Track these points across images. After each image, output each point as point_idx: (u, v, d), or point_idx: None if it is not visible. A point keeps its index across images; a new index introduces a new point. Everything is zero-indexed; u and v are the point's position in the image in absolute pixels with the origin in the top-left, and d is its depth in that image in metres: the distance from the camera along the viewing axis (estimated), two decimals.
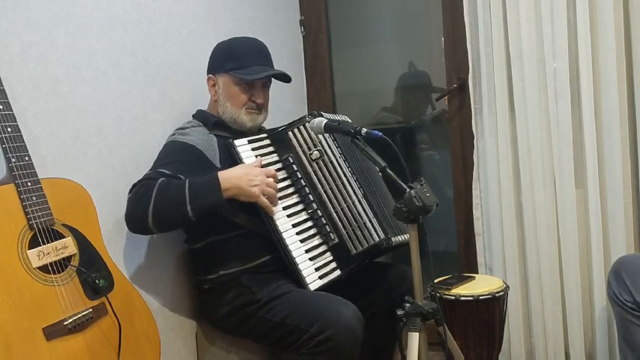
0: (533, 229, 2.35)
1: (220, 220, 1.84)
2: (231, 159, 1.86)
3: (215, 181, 1.74)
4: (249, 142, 1.90)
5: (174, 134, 1.95)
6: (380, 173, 2.06)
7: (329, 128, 1.83)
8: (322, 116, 1.89)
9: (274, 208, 1.83)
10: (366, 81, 2.98)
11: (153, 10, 2.05)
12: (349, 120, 2.11)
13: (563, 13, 2.21)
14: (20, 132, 1.44)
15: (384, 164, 1.65)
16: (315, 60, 2.94)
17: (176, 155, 1.85)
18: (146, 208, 1.69)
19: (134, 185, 1.76)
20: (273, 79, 2.03)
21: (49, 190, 1.46)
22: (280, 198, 1.85)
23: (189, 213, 1.71)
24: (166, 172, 1.77)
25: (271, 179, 1.82)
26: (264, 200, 1.79)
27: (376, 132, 1.69)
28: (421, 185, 1.56)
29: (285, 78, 2.02)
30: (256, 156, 1.88)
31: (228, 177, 1.76)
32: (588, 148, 2.21)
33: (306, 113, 2.86)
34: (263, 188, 1.78)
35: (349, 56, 2.96)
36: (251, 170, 1.80)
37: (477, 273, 2.49)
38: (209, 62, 2.03)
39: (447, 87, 2.65)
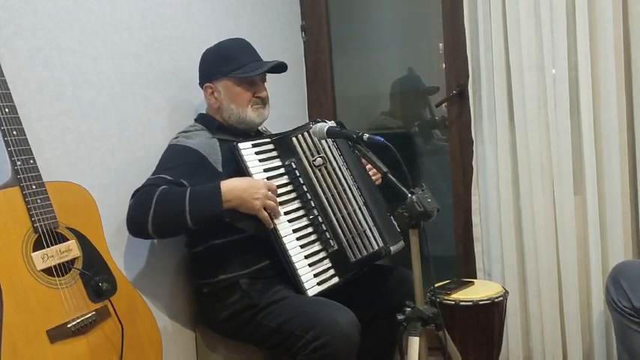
0: (532, 235, 2.36)
1: (221, 223, 1.85)
2: (234, 163, 1.86)
3: (216, 192, 1.74)
4: (253, 145, 1.90)
5: (177, 137, 1.96)
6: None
7: (331, 133, 1.85)
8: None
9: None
10: (367, 86, 3.00)
11: (157, 15, 2.06)
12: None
13: (562, 20, 2.22)
14: (25, 135, 1.44)
15: (385, 170, 1.66)
16: (316, 65, 2.95)
17: (178, 159, 1.86)
18: (146, 215, 1.70)
19: (136, 191, 1.77)
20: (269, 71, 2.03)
21: (53, 194, 1.47)
22: (282, 203, 1.86)
23: (189, 222, 1.71)
24: (168, 177, 1.78)
25: (271, 193, 1.82)
26: (264, 214, 1.78)
27: (378, 137, 1.70)
28: (422, 191, 1.57)
29: (282, 68, 2.03)
30: (260, 160, 1.89)
31: (231, 188, 1.76)
32: (587, 154, 2.23)
33: (309, 119, 2.89)
34: (265, 202, 1.78)
35: (350, 61, 2.98)
36: (255, 183, 1.80)
37: (476, 278, 2.50)
38: (202, 72, 2.03)
39: (447, 93, 2.67)
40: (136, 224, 1.74)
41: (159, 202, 1.70)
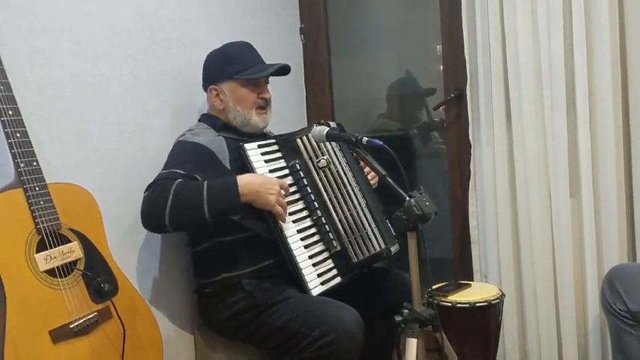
0: (529, 238, 2.38)
1: (228, 221, 1.84)
2: (241, 161, 1.87)
3: (233, 185, 1.75)
4: (259, 146, 1.91)
5: (184, 134, 1.96)
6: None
7: (330, 136, 1.86)
8: (329, 126, 1.92)
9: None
10: (365, 88, 3.01)
11: (156, 17, 2.07)
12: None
13: (559, 24, 2.24)
14: (28, 137, 1.45)
15: (384, 173, 1.67)
16: (315, 67, 2.96)
17: (190, 155, 1.86)
18: (163, 208, 1.70)
19: (150, 185, 1.77)
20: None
21: (55, 195, 1.48)
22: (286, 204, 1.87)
23: (206, 215, 1.72)
24: (181, 172, 1.79)
25: (283, 191, 1.84)
26: (279, 209, 1.80)
27: (377, 141, 1.71)
28: (420, 194, 1.58)
29: (286, 70, 2.06)
30: (265, 161, 1.90)
31: (246, 183, 1.77)
32: (583, 158, 2.25)
33: (307, 121, 2.90)
34: (278, 198, 1.80)
35: (348, 64, 2.99)
36: (269, 179, 1.82)
37: (473, 280, 2.51)
38: (206, 74, 2.04)
39: (445, 96, 2.68)
40: (152, 217, 1.74)
41: (176, 195, 1.71)
